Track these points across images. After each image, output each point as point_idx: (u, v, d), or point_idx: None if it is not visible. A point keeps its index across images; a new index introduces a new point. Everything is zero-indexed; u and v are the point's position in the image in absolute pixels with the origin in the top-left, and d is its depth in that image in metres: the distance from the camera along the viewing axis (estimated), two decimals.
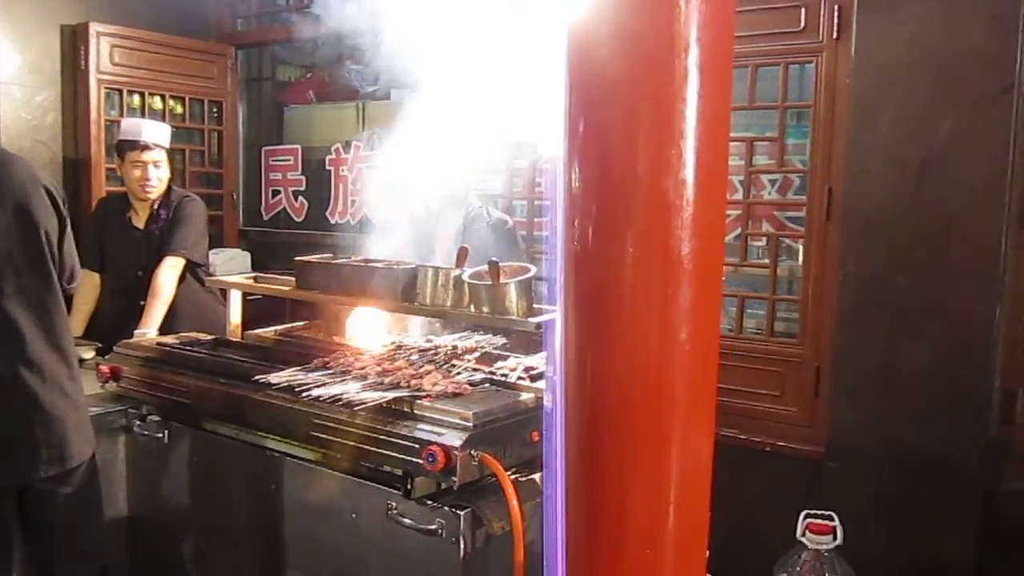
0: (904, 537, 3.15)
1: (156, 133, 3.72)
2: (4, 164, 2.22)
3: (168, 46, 4.85)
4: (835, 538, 2.93)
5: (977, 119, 2.97)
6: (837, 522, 2.95)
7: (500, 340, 2.87)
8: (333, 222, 5.08)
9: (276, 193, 5.37)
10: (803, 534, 2.96)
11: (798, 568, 2.96)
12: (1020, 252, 3.08)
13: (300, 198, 5.29)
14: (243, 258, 5.08)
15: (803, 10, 3.31)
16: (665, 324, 1.06)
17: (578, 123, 1.11)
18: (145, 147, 3.63)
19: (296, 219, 5.31)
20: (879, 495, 3.20)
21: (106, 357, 2.86)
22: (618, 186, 1.06)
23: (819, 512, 2.99)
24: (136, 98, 4.76)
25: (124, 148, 3.69)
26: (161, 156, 3.70)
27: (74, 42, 4.48)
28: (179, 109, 5.02)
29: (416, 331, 3.06)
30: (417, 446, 1.99)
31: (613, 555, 1.11)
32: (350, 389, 2.15)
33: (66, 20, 4.47)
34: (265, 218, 5.45)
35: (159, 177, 3.70)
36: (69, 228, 2.36)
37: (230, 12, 5.33)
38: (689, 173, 1.04)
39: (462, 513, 2.01)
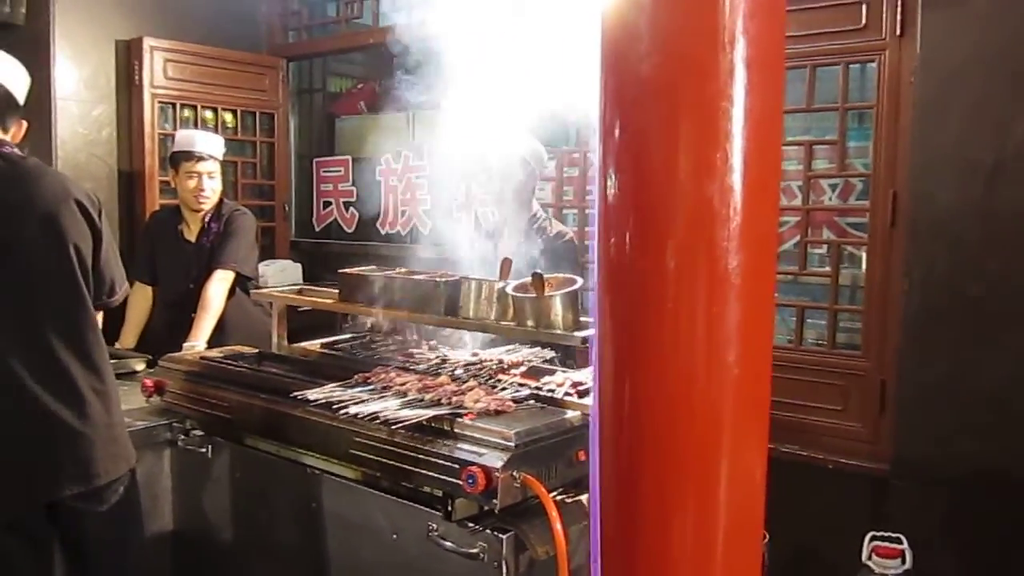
0: (977, 561, 2.97)
1: (210, 144, 3.74)
2: (34, 179, 2.20)
3: (220, 59, 4.88)
4: (904, 562, 2.78)
5: None
6: (906, 545, 2.79)
7: (549, 353, 2.79)
8: (384, 233, 5.06)
9: (327, 204, 5.37)
10: (869, 557, 2.81)
11: None
12: None
13: (351, 209, 5.27)
14: (295, 269, 5.08)
15: (864, 6, 3.16)
16: (711, 345, 0.96)
17: (613, 125, 1.02)
18: (200, 158, 3.66)
19: (347, 230, 5.29)
20: (949, 516, 3.02)
21: (151, 371, 2.85)
22: (657, 193, 0.97)
23: (886, 534, 2.84)
24: (188, 111, 4.79)
25: (179, 159, 3.71)
26: (215, 167, 3.72)
27: (128, 57, 4.53)
28: (231, 121, 5.05)
29: (463, 343, 2.99)
30: (457, 467, 1.91)
31: None
32: (389, 406, 2.09)
33: (120, 35, 4.53)
34: (316, 229, 5.45)
35: (213, 188, 3.71)
36: (109, 241, 2.34)
37: (281, 24, 5.36)
38: (736, 179, 0.94)
39: (504, 537, 1.93)
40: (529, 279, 2.27)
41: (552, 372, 2.55)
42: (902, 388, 3.13)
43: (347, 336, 3.20)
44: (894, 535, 2.82)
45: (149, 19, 4.62)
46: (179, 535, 2.77)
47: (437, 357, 2.71)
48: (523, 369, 2.58)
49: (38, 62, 4.06)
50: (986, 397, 2.94)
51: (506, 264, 2.42)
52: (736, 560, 1.02)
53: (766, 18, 0.96)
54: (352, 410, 2.06)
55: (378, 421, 2.03)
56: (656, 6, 0.97)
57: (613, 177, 1.01)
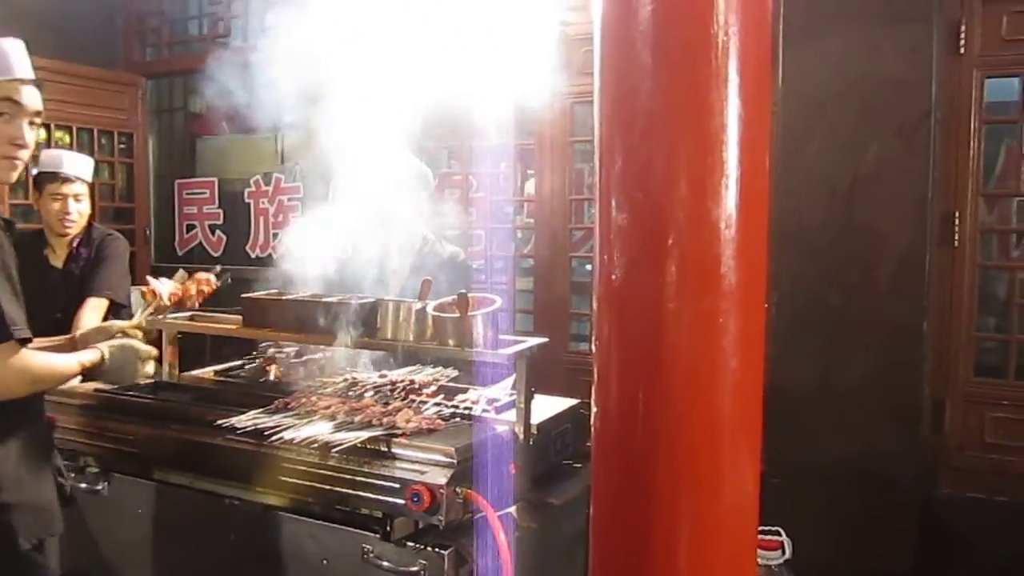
0: (849, 548, 3.25)
1: (78, 165, 3.54)
2: None
3: (74, 75, 4.63)
4: (784, 552, 2.99)
5: (900, 144, 3.13)
6: (784, 537, 3.01)
7: (452, 372, 2.83)
8: (253, 256, 4.94)
9: (191, 228, 5.19)
10: None
11: None
12: (942, 269, 3.26)
13: (217, 232, 5.11)
14: None
15: None
16: (718, 353, 1.06)
17: (613, 156, 1.10)
18: (66, 179, 3.45)
19: (213, 254, 5.13)
20: (822, 508, 3.30)
21: None
22: (666, 217, 1.06)
23: (766, 528, 3.05)
24: (41, 131, 4.50)
25: (43, 180, 3.49)
26: (83, 189, 3.52)
27: None
28: (85, 141, 4.79)
29: (362, 366, 2.98)
30: (398, 486, 1.93)
31: None
32: (322, 430, 2.07)
33: None
34: (180, 253, 5.25)
35: (79, 211, 3.51)
36: None
37: (139, 41, 5.14)
38: (737, 202, 1.05)
39: (446, 552, 1.96)
40: (449, 299, 2.32)
41: (464, 390, 2.59)
42: (774, 391, 3.38)
43: (240, 362, 3.12)
44: (774, 528, 3.02)
45: None
46: None
47: (344, 380, 2.70)
48: (433, 388, 2.61)
49: None
50: (848, 397, 3.24)
51: (426, 285, 2.45)
52: (736, 553, 1.12)
53: (756, 56, 1.08)
54: (287, 436, 2.03)
55: (315, 445, 2.01)
56: (656, 46, 1.06)
57: (617, 201, 1.09)
